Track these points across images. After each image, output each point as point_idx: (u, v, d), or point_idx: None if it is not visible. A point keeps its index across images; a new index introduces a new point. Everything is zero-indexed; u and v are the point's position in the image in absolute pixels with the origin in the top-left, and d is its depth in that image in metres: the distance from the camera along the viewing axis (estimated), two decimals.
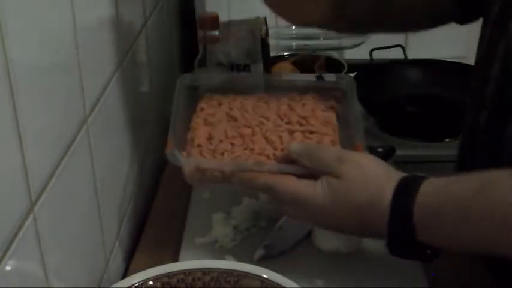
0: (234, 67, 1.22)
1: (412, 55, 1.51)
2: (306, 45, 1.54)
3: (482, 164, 0.78)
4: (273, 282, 0.70)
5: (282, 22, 1.62)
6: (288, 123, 0.84)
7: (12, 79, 0.55)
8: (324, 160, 0.73)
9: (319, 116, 0.84)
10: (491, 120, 0.81)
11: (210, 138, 0.81)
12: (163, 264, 0.74)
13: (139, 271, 0.72)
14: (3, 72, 0.54)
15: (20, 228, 0.57)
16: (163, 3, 1.25)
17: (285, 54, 1.50)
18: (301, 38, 1.55)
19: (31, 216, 0.59)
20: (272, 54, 1.30)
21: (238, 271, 0.72)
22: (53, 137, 0.66)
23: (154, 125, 1.16)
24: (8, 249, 0.55)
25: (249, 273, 0.72)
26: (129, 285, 0.71)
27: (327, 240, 0.87)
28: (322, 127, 0.82)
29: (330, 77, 0.90)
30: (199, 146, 0.80)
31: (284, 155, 0.78)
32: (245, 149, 0.80)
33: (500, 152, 0.79)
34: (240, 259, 0.83)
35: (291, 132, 0.82)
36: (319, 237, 0.88)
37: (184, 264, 0.74)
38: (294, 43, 1.56)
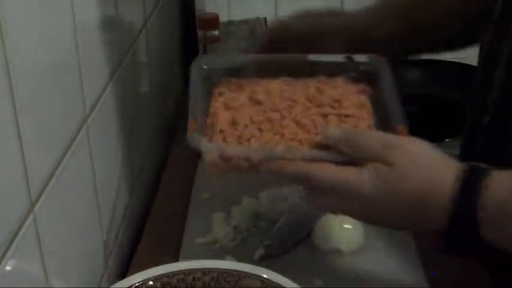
0: None
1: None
2: None
3: None
4: (273, 282, 0.70)
5: None
6: (318, 106, 0.75)
7: (12, 79, 0.55)
8: (369, 146, 0.67)
9: (352, 98, 0.77)
10: (493, 124, 0.80)
11: (233, 123, 0.73)
12: (163, 264, 0.74)
13: (139, 271, 0.72)
14: (3, 72, 0.54)
15: (20, 228, 0.57)
16: (163, 3, 1.25)
17: None
18: None
19: (31, 216, 0.59)
20: None
21: (238, 271, 0.72)
22: (53, 137, 0.66)
23: (154, 124, 1.16)
24: (8, 249, 0.55)
25: (249, 273, 0.72)
26: (129, 285, 0.71)
27: (327, 240, 0.87)
28: (357, 110, 0.75)
29: (360, 58, 0.82)
30: (222, 131, 0.72)
31: (319, 140, 0.70)
32: (274, 134, 0.72)
33: (502, 156, 0.78)
34: (240, 259, 0.83)
35: (324, 116, 0.74)
36: (319, 237, 0.88)
37: (184, 264, 0.74)
38: None
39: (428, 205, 0.65)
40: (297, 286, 0.69)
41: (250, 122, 0.73)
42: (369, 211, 0.67)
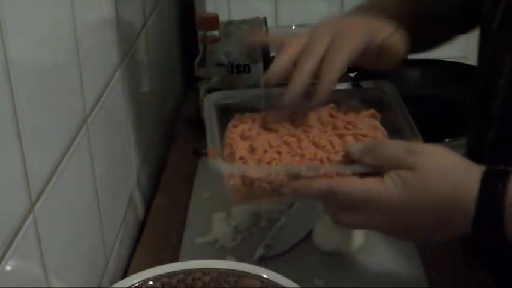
0: (234, 67, 1.22)
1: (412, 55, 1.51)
2: None
3: None
4: (273, 282, 0.70)
5: (282, 22, 1.63)
6: (333, 128, 0.76)
7: (12, 79, 0.55)
8: (391, 153, 0.66)
9: (365, 121, 0.77)
10: (501, 139, 0.78)
11: (252, 150, 0.73)
12: (163, 264, 0.74)
13: (139, 271, 0.72)
14: (3, 72, 0.54)
15: (20, 228, 0.57)
16: (163, 3, 1.25)
17: None
18: None
19: (31, 216, 0.59)
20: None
21: (238, 271, 0.72)
22: (53, 137, 0.66)
23: (154, 125, 1.16)
24: (8, 249, 0.55)
25: (249, 273, 0.72)
26: (129, 285, 0.71)
27: (327, 240, 0.87)
28: (372, 131, 0.75)
29: (367, 84, 0.83)
30: (241, 158, 0.72)
31: (339, 158, 0.71)
32: (293, 156, 0.72)
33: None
34: (240, 259, 0.83)
35: (340, 136, 0.74)
36: (319, 237, 0.88)
37: (184, 264, 0.74)
38: None
39: (454, 207, 0.64)
40: (297, 286, 0.69)
41: (269, 147, 0.73)
42: (395, 220, 0.66)
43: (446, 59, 1.42)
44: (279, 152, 0.72)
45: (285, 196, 0.70)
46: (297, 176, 0.69)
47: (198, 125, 1.21)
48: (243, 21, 1.29)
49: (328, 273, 0.84)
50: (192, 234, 0.92)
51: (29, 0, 0.60)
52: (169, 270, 0.72)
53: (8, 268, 0.55)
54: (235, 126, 0.78)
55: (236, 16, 1.35)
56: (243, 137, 0.75)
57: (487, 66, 0.82)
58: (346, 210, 0.67)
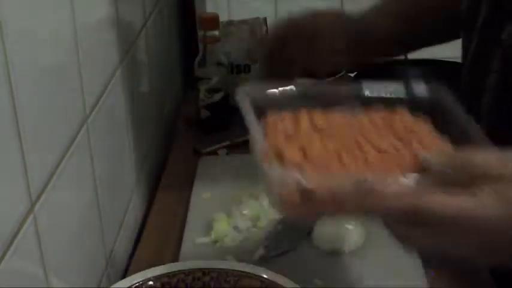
0: (234, 67, 1.22)
1: (412, 55, 1.51)
2: None
3: None
4: (273, 282, 0.70)
5: None
6: (392, 133, 0.65)
7: (12, 79, 0.55)
8: (483, 165, 0.56)
9: (421, 126, 0.66)
10: (490, 136, 0.78)
11: (304, 154, 0.61)
12: (163, 264, 0.74)
13: (139, 271, 0.72)
14: (3, 72, 0.54)
15: (20, 228, 0.57)
16: (163, 3, 1.25)
17: None
18: None
19: (31, 216, 0.59)
20: None
21: (238, 271, 0.72)
22: (53, 137, 0.66)
23: (154, 125, 1.16)
24: (8, 249, 0.55)
25: (249, 273, 0.72)
26: (129, 285, 0.71)
27: (327, 240, 0.87)
28: (434, 138, 0.64)
29: (418, 88, 0.71)
30: (295, 164, 0.59)
31: (409, 163, 0.59)
32: (356, 161, 0.60)
33: None
34: (240, 259, 0.83)
35: (403, 141, 0.63)
36: (319, 237, 0.88)
37: (184, 264, 0.74)
38: None
39: None
40: (297, 286, 0.69)
41: (325, 150, 0.61)
42: (498, 237, 0.56)
43: (446, 59, 1.42)
44: (339, 157, 0.61)
45: (350, 212, 0.59)
46: (366, 188, 0.56)
47: (198, 125, 1.21)
48: (243, 21, 1.29)
49: (328, 273, 0.84)
50: (192, 234, 0.92)
51: (29, 0, 0.60)
52: (169, 270, 0.73)
53: (8, 268, 0.55)
54: (275, 124, 0.66)
55: (236, 16, 1.36)
56: (288, 138, 0.64)
57: (473, 64, 0.82)
58: (432, 229, 0.56)
